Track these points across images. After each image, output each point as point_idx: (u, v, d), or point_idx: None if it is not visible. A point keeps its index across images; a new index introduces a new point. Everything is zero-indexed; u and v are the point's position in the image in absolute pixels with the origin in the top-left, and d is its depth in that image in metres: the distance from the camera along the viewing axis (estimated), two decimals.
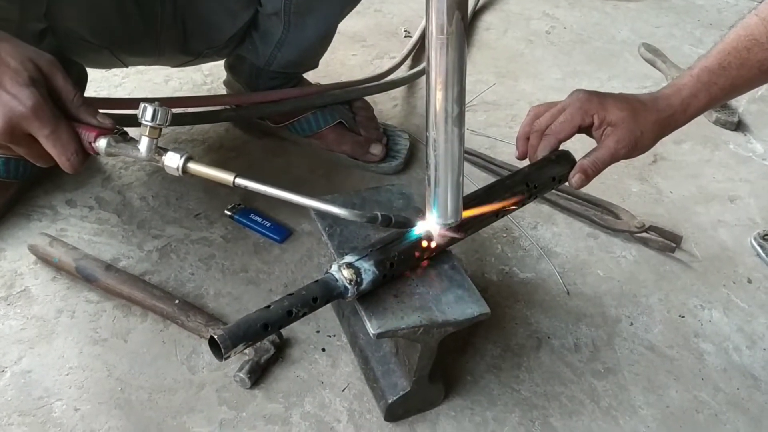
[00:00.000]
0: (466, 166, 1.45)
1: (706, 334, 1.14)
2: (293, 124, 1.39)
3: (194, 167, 0.77)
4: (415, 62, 1.75)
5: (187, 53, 1.27)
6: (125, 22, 1.13)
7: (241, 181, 0.76)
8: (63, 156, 0.77)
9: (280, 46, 1.27)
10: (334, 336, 1.05)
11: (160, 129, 0.77)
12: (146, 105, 0.76)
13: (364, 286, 0.79)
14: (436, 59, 0.74)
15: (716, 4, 2.33)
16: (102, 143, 0.78)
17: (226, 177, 0.76)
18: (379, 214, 0.77)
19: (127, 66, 1.30)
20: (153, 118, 0.76)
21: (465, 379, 1.02)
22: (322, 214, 0.94)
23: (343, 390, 0.98)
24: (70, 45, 1.12)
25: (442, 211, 0.82)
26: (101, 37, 1.13)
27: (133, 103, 1.28)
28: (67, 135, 0.77)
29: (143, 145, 0.78)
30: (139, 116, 0.76)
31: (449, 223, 0.83)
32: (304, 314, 0.76)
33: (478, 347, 1.07)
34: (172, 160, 0.77)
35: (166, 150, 0.78)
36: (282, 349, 1.02)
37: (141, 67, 1.50)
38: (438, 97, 0.76)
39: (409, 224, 0.82)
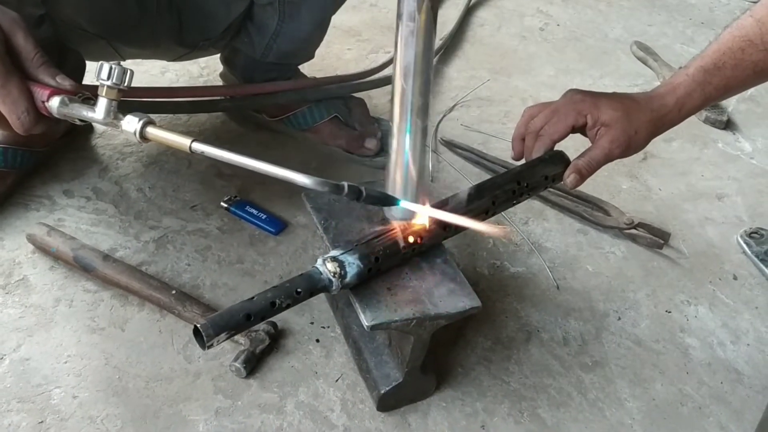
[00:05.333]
0: (460, 161, 1.47)
1: (691, 329, 1.16)
2: (289, 117, 1.41)
3: (153, 132, 0.73)
4: None
5: (183, 44, 1.28)
6: (121, 11, 1.13)
7: (198, 146, 0.71)
8: (13, 114, 0.74)
9: (275, 37, 1.28)
10: (328, 327, 1.07)
11: (118, 89, 0.74)
12: (103, 63, 0.73)
13: (348, 279, 0.80)
14: (403, 47, 0.73)
15: (708, 2, 2.35)
16: (55, 102, 0.74)
17: (183, 141, 0.72)
18: (346, 185, 0.71)
19: (124, 59, 1.30)
20: (109, 76, 0.72)
21: (456, 371, 1.04)
22: (318, 208, 0.96)
23: (337, 380, 1.00)
24: (67, 33, 1.12)
25: (400, 208, 0.84)
26: (97, 26, 1.13)
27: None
28: (17, 91, 0.74)
29: (100, 106, 0.74)
30: (95, 75, 0.73)
31: (406, 219, 0.84)
32: (288, 306, 0.77)
33: (469, 340, 1.09)
34: (130, 124, 0.73)
35: (126, 114, 0.74)
36: (277, 339, 1.04)
37: (137, 59, 1.50)
38: (402, 86, 0.75)
39: (385, 201, 0.78)
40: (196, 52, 1.36)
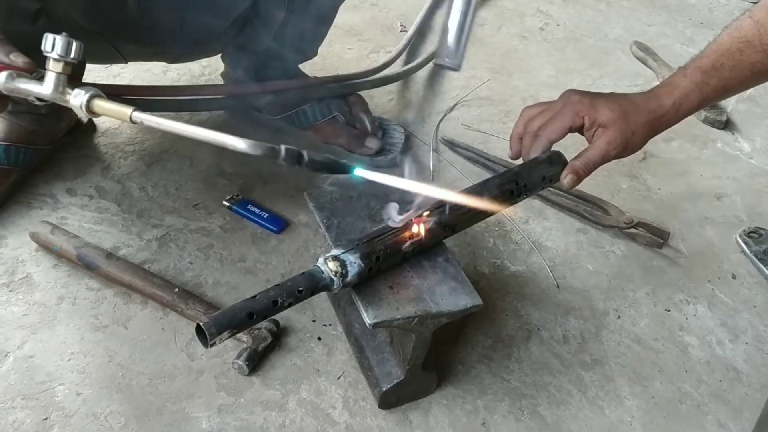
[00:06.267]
0: (460, 160, 1.48)
1: (690, 327, 1.17)
2: (290, 116, 1.41)
3: (99, 104, 0.73)
4: (410, 57, 1.77)
5: (184, 42, 1.28)
6: (119, 6, 1.12)
7: (138, 115, 0.71)
8: None
9: (282, 29, 1.28)
10: (330, 325, 1.08)
11: (65, 62, 0.72)
12: (47, 34, 0.71)
13: (349, 278, 0.81)
14: None
15: (708, 3, 2.36)
16: (1, 77, 0.73)
17: (125, 111, 0.71)
18: (282, 148, 0.68)
19: (125, 59, 1.30)
20: (53, 48, 0.71)
21: (457, 369, 1.04)
22: (320, 206, 0.96)
23: (339, 378, 1.01)
24: (64, 31, 1.12)
25: (448, 52, 0.90)
26: (94, 22, 1.12)
27: (127, 89, 1.30)
28: None
29: (48, 81, 0.73)
30: (42, 47, 0.72)
31: (453, 65, 0.85)
32: (290, 305, 0.78)
33: (469, 338, 1.09)
34: (77, 98, 0.72)
35: (74, 88, 0.73)
36: (279, 337, 1.04)
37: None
38: None
39: (333, 167, 0.73)
40: (197, 51, 1.36)
